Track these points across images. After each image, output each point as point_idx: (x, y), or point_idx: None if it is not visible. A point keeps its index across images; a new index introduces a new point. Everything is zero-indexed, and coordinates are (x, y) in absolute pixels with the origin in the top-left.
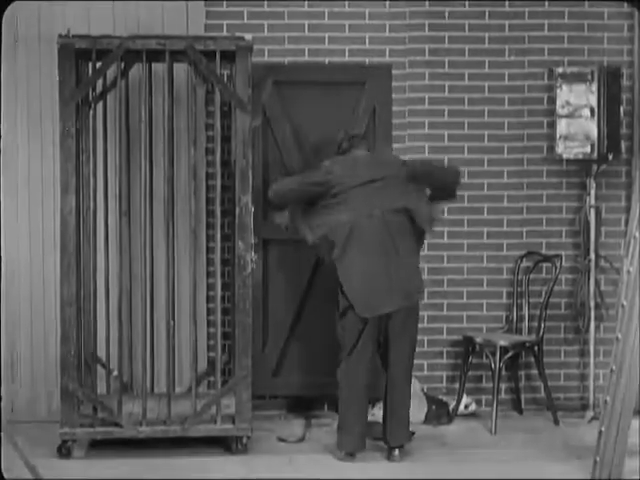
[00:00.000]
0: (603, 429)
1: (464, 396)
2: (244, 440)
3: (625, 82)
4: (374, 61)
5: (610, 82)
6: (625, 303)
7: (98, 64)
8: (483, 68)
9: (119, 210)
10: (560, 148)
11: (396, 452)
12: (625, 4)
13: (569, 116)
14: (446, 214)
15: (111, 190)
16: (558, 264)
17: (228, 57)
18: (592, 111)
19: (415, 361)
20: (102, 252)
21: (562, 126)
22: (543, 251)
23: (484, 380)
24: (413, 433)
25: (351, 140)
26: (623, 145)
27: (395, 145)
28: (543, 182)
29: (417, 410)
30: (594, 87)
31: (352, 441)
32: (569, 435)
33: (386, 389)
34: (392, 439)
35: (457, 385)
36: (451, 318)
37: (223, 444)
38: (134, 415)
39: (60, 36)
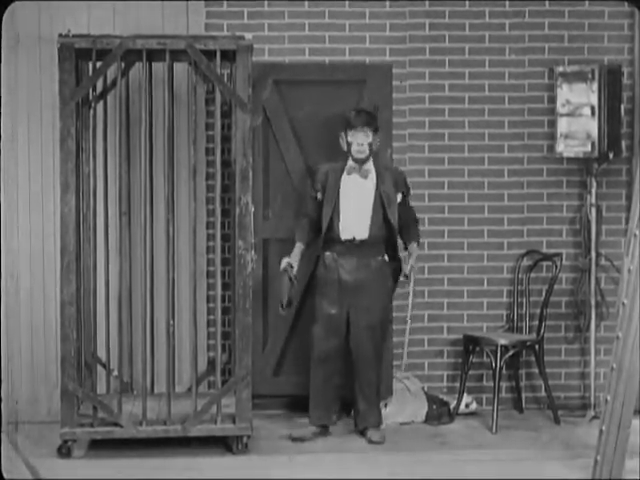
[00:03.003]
0: (604, 428)
1: (465, 395)
2: (244, 440)
3: (625, 80)
4: (374, 60)
5: (610, 81)
6: (626, 301)
7: (98, 64)
8: (483, 67)
9: (119, 210)
10: (560, 147)
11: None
12: (625, 3)
13: (569, 115)
14: (446, 213)
15: (111, 190)
16: (558, 263)
17: (228, 56)
18: (592, 110)
19: (415, 360)
20: (102, 252)
21: (562, 125)
22: (544, 250)
23: (485, 379)
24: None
25: None
26: (623, 143)
27: (395, 144)
28: (543, 181)
29: (418, 409)
30: (594, 86)
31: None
32: (570, 434)
33: None
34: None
35: (458, 384)
36: (451, 317)
37: (223, 444)
38: (134, 415)
39: (60, 36)
